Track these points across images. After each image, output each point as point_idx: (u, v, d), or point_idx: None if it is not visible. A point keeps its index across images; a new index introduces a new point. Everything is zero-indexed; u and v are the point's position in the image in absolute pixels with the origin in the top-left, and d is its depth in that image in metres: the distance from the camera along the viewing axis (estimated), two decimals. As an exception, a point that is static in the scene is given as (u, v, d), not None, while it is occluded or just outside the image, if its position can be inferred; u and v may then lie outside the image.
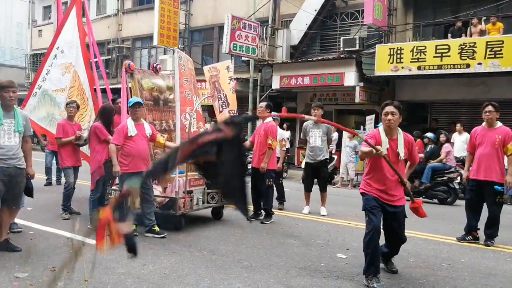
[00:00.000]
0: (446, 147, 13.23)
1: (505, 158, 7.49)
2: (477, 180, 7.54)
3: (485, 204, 7.64)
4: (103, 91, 10.21)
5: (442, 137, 13.61)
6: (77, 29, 9.68)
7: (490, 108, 7.47)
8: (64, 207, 8.56)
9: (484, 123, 7.66)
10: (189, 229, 7.87)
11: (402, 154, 5.53)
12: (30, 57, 35.82)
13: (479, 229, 7.79)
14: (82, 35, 9.71)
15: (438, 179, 12.70)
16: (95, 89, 9.75)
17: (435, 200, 12.68)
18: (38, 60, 32.93)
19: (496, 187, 7.36)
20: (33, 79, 9.64)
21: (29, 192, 6.76)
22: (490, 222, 7.52)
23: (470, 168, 7.73)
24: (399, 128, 5.62)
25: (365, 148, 5.42)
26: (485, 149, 7.45)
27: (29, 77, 32.88)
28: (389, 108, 5.51)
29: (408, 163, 5.91)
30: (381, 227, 5.48)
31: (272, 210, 9.07)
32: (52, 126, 9.22)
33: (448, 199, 12.58)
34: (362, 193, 5.67)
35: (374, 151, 5.22)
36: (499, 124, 7.53)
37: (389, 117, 5.48)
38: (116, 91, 10.53)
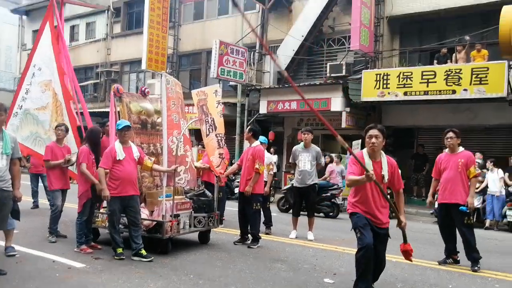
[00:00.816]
0: (330, 167, 15.49)
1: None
2: (445, 204, 7.83)
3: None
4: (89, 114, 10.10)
5: (327, 159, 15.54)
6: (52, 46, 9.67)
7: (451, 134, 7.86)
8: (51, 230, 8.48)
9: (446, 149, 7.99)
10: (176, 253, 7.83)
11: (386, 177, 5.59)
12: (19, 80, 35.71)
13: (458, 252, 7.89)
14: (57, 51, 9.69)
15: (323, 195, 13.98)
16: (77, 112, 9.63)
17: (321, 214, 13.90)
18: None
19: (461, 208, 7.56)
20: (12, 99, 9.61)
21: (16, 215, 6.70)
22: (466, 246, 7.65)
23: (436, 194, 8.04)
24: (382, 151, 5.68)
25: (354, 177, 5.45)
26: (449, 173, 7.76)
27: (18, 100, 32.75)
28: (373, 132, 5.60)
29: (395, 193, 5.88)
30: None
31: (259, 234, 9.06)
32: (38, 145, 9.17)
33: (331, 213, 14.07)
34: (351, 213, 5.67)
35: (365, 178, 5.26)
36: (461, 148, 7.90)
37: (373, 140, 5.55)
38: (105, 114, 10.50)
